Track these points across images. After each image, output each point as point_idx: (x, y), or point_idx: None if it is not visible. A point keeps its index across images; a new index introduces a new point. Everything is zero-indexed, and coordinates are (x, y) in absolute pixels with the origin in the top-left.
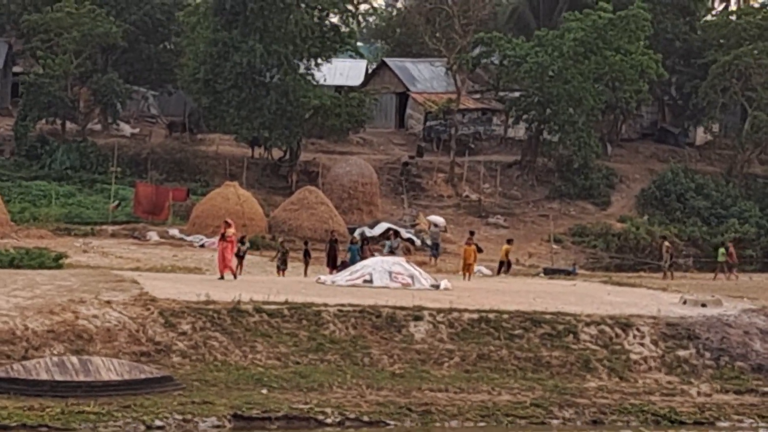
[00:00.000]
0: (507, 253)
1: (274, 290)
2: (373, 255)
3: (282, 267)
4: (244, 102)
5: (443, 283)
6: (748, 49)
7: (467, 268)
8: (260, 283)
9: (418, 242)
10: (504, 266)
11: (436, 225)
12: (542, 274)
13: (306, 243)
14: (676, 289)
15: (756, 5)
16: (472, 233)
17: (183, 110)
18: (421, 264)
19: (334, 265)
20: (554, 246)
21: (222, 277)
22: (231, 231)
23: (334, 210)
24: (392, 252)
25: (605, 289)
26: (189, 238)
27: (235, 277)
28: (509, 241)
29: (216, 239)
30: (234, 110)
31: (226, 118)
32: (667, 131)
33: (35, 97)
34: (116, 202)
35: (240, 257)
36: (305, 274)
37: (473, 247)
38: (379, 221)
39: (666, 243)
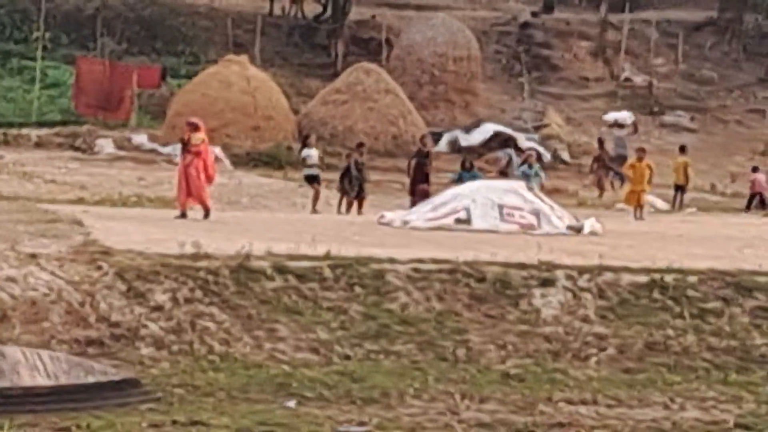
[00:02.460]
0: (686, 170)
1: (308, 236)
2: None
3: (353, 193)
4: None
5: (588, 224)
6: None
7: (636, 199)
8: (285, 225)
9: (547, 155)
10: (679, 192)
11: (620, 125)
12: (755, 209)
13: (358, 158)
14: None
15: None
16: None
17: None
18: (554, 192)
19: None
20: None
21: (183, 215)
22: (199, 137)
23: (407, 102)
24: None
25: None
26: (165, 150)
27: (201, 214)
28: (682, 150)
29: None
30: None
31: None
32: None
33: None
34: None
35: None
36: (359, 209)
37: (645, 163)
38: (481, 121)
39: None
